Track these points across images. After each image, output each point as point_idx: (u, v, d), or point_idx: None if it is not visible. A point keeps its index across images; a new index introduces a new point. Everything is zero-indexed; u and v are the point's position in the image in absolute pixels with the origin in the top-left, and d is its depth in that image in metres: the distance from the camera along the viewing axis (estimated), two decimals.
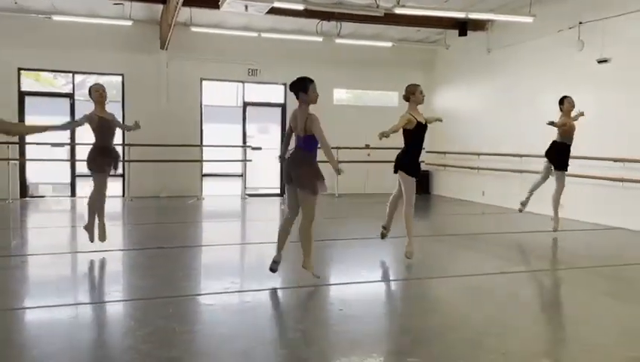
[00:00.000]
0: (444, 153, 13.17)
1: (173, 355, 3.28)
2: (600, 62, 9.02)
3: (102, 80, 13.91)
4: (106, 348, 3.49)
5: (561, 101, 7.55)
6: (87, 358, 3.32)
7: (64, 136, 11.90)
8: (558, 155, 7.50)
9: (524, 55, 10.93)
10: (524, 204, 7.99)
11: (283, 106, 13.39)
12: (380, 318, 4.15)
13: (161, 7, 10.74)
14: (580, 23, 9.39)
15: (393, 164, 6.03)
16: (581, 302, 4.96)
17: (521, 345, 3.61)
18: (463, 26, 11.57)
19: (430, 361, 3.30)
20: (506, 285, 5.21)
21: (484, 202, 11.76)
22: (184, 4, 8.93)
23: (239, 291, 4.90)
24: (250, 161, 12.69)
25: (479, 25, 11.76)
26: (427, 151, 13.73)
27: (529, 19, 9.68)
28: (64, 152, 12.14)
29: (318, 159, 5.02)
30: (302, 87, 4.90)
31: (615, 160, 8.47)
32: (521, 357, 3.36)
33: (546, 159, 7.65)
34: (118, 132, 6.69)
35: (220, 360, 3.29)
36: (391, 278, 5.67)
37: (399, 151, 6.03)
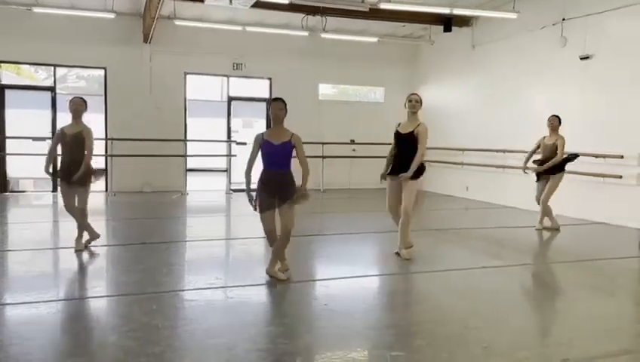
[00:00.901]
0: (428, 149, 13.22)
1: (156, 351, 3.26)
2: (582, 58, 9.12)
3: (84, 74, 13.78)
4: (89, 344, 3.45)
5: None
6: (69, 355, 3.28)
7: (45, 130, 11.73)
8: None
9: (508, 51, 11.01)
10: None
11: (268, 101, 13.33)
12: (364, 313, 4.17)
13: None
14: (563, 19, 9.48)
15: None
16: (563, 295, 5.03)
17: (503, 338, 3.65)
18: (447, 22, 11.62)
19: (414, 355, 3.33)
20: (489, 279, 5.26)
21: (468, 197, 11.85)
22: None
23: (223, 287, 4.88)
24: (234, 156, 12.63)
25: (464, 21, 11.83)
26: None
27: (513, 16, 9.75)
28: (45, 147, 11.95)
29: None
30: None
31: (596, 156, 8.58)
32: (501, 350, 3.40)
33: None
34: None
35: (203, 355, 3.27)
36: (375, 273, 5.69)
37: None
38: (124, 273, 5.22)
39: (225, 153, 12.72)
